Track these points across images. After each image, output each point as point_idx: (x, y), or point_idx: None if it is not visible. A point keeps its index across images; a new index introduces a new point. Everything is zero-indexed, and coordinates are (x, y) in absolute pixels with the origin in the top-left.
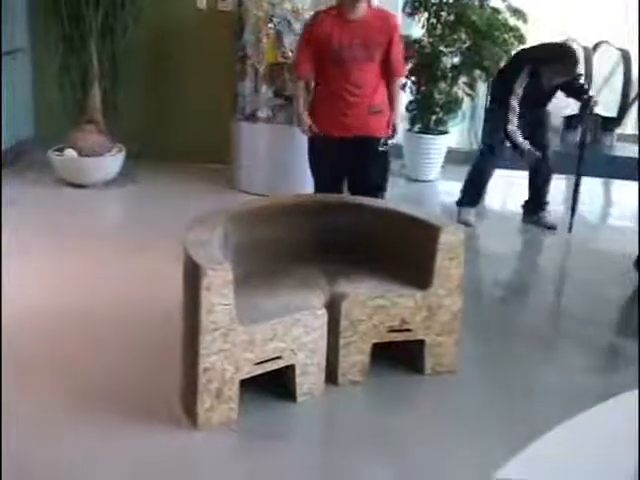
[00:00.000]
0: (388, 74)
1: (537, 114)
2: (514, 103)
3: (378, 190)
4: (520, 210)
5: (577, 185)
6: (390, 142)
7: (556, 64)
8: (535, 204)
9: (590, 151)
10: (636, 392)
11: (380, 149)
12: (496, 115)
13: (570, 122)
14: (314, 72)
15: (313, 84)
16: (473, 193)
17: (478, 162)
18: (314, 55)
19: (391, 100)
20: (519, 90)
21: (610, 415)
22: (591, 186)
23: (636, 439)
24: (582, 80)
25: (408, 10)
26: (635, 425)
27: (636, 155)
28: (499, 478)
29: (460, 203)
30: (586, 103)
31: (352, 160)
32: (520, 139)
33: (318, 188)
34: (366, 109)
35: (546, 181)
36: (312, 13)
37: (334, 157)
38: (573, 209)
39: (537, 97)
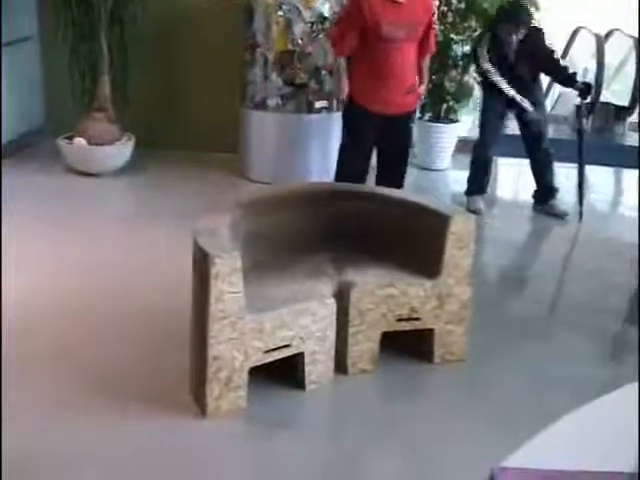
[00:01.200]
0: (421, 51)
1: (527, 92)
2: (484, 64)
3: (405, 159)
4: (531, 199)
5: (581, 174)
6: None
7: (506, 19)
8: (544, 192)
9: (601, 140)
10: (636, 384)
11: (410, 124)
12: (484, 99)
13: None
14: (354, 49)
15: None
16: (478, 181)
17: (476, 149)
18: (357, 33)
19: (421, 75)
20: (484, 52)
21: (613, 407)
22: (602, 175)
23: (636, 431)
24: (556, 55)
25: None
26: (635, 417)
27: None
28: (503, 466)
29: (468, 192)
30: (579, 90)
31: (385, 133)
32: (497, 78)
33: (348, 156)
34: (404, 89)
35: (546, 166)
36: None
37: (369, 129)
38: (581, 198)
39: (508, 59)
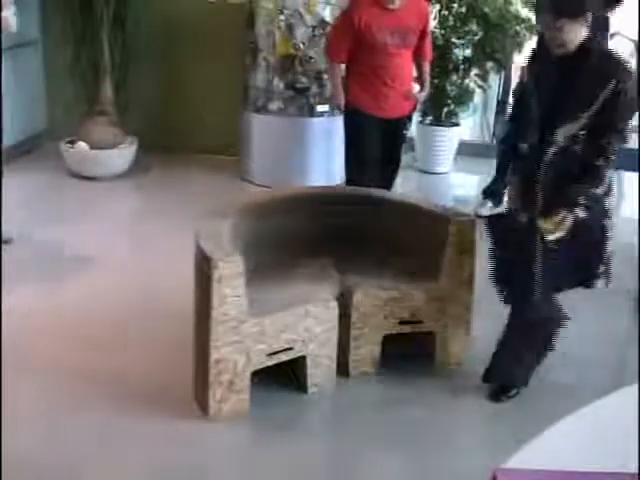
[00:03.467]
0: (419, 57)
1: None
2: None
3: (396, 163)
4: None
5: None
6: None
7: None
8: None
9: None
10: (633, 387)
11: (404, 131)
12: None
13: None
14: (348, 56)
15: (346, 65)
16: (496, 185)
17: (500, 156)
18: (350, 40)
19: (422, 81)
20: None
21: (611, 409)
22: None
23: (636, 432)
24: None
25: None
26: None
27: None
28: (505, 467)
29: (483, 193)
30: None
31: (382, 137)
32: None
33: (355, 164)
34: (402, 94)
35: None
36: None
37: (371, 134)
38: None
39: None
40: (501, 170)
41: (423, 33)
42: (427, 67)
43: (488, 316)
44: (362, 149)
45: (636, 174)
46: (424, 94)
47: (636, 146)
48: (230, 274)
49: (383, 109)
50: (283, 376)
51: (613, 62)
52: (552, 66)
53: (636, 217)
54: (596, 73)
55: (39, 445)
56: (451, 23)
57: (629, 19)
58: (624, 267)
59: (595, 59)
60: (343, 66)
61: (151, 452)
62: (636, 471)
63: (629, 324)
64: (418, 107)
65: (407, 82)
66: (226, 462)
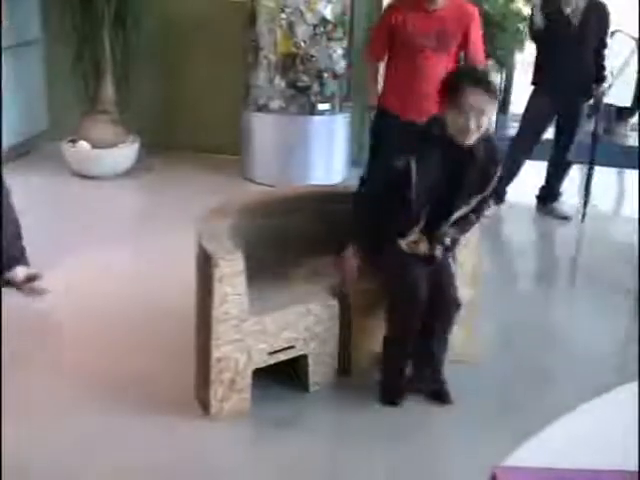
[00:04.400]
0: (467, 61)
1: (575, 102)
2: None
3: None
4: (534, 200)
5: (589, 176)
6: None
7: None
8: (549, 194)
9: (604, 141)
10: (632, 385)
11: None
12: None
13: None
14: (384, 56)
15: (385, 66)
16: (498, 185)
17: (509, 150)
18: (387, 39)
19: None
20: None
21: (611, 406)
22: (604, 176)
23: (636, 430)
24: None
25: None
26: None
27: None
28: (505, 465)
29: None
30: (596, 89)
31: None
32: None
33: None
34: (433, 99)
35: (562, 171)
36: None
37: (396, 136)
38: (586, 199)
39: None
40: (503, 169)
41: (467, 37)
42: None
43: (492, 313)
44: (385, 150)
45: (635, 172)
46: None
47: (635, 143)
48: (231, 273)
49: (412, 112)
50: (284, 375)
51: (492, 142)
52: (443, 155)
53: (635, 216)
54: (487, 158)
55: (37, 445)
56: None
57: (630, 16)
58: (624, 267)
59: (482, 144)
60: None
61: (152, 451)
62: (635, 469)
63: (629, 324)
64: None
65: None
66: (227, 461)
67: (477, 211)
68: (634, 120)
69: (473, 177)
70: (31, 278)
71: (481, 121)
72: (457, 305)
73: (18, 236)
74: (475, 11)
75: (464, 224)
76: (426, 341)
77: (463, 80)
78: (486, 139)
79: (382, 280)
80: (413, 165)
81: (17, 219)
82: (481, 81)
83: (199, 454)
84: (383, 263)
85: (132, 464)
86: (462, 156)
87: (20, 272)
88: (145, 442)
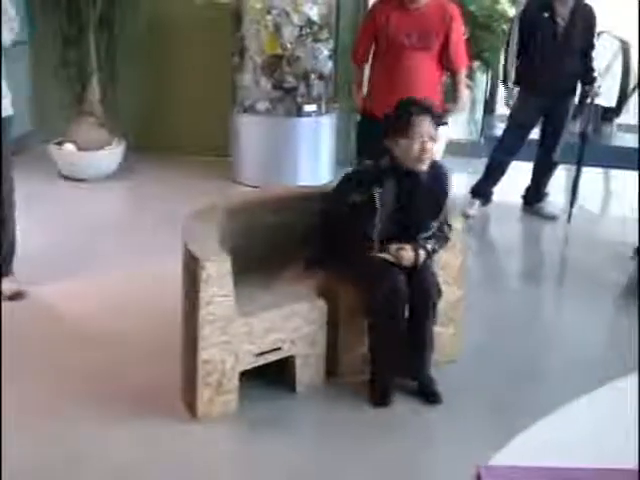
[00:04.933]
0: (448, 65)
1: (561, 103)
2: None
3: None
4: (520, 200)
5: (577, 176)
6: None
7: None
8: (535, 194)
9: (590, 141)
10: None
11: None
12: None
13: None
14: (368, 58)
15: (369, 68)
16: (486, 184)
17: (494, 151)
18: (371, 40)
19: (454, 93)
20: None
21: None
22: (590, 176)
23: (636, 423)
24: (594, 42)
25: None
26: (635, 409)
27: (635, 145)
28: (489, 464)
29: (471, 192)
30: (589, 91)
31: None
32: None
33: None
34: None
35: (548, 171)
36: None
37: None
38: (573, 199)
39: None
40: (490, 170)
41: (448, 38)
42: (461, 77)
43: (478, 312)
44: (366, 153)
45: (626, 172)
46: (457, 106)
47: (621, 143)
48: (217, 274)
49: None
50: (272, 376)
51: (442, 169)
52: (398, 185)
53: (625, 216)
54: (438, 185)
55: (23, 446)
56: None
57: (616, 18)
58: (611, 266)
59: (432, 172)
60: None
61: (138, 453)
62: (628, 466)
63: (615, 322)
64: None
65: (425, 88)
66: (215, 463)
67: (441, 233)
68: (622, 120)
69: (427, 203)
70: (16, 295)
71: (431, 147)
72: (438, 289)
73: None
74: (457, 10)
75: (436, 240)
76: (413, 329)
77: (411, 109)
78: (437, 167)
79: (358, 283)
80: (377, 195)
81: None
82: (428, 110)
83: (186, 456)
84: (359, 269)
85: (118, 466)
86: (415, 184)
87: (6, 286)
88: (131, 444)
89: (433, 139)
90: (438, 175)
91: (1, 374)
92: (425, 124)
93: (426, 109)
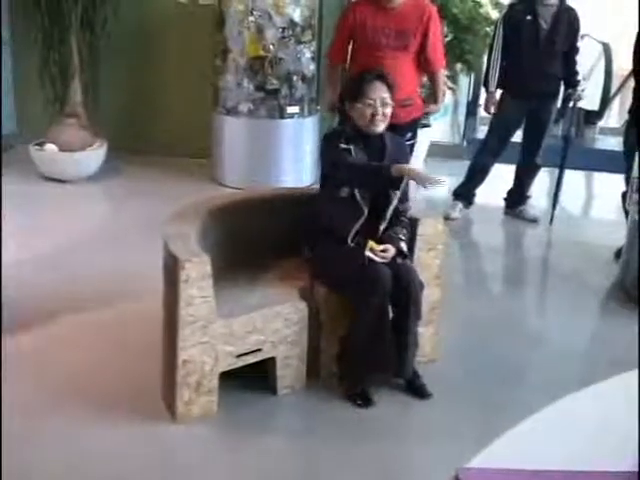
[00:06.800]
0: (426, 66)
1: (544, 106)
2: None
3: None
4: (502, 202)
5: (560, 179)
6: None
7: None
8: (518, 197)
9: (572, 144)
10: (635, 373)
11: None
12: (501, 99)
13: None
14: (346, 58)
15: (347, 68)
16: (468, 186)
17: (477, 153)
18: (348, 40)
19: (434, 93)
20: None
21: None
22: (573, 179)
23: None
24: (578, 44)
25: None
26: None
27: (617, 148)
28: (467, 466)
29: (454, 194)
30: (572, 94)
31: None
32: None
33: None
34: (397, 101)
35: (531, 174)
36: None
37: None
38: (555, 202)
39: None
40: (472, 172)
41: (426, 37)
42: (439, 77)
43: (457, 314)
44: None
45: (609, 175)
46: (436, 107)
47: (603, 147)
48: (198, 275)
49: None
50: (252, 378)
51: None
52: (364, 149)
53: (607, 219)
54: (397, 149)
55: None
56: None
57: (598, 21)
58: (593, 269)
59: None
60: None
61: (118, 454)
62: (608, 469)
63: (597, 323)
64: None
65: (404, 87)
66: (194, 464)
67: (404, 218)
68: (602, 123)
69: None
70: None
71: (386, 110)
72: (420, 283)
73: None
74: (434, 10)
75: (401, 223)
76: (398, 326)
77: (364, 75)
78: (397, 136)
79: (344, 284)
80: (354, 155)
81: None
82: (380, 76)
83: (165, 456)
84: (340, 266)
85: (98, 468)
86: (376, 146)
87: None
88: (111, 444)
89: (386, 103)
90: (395, 140)
91: (1, 374)
92: (376, 88)
93: (379, 75)
